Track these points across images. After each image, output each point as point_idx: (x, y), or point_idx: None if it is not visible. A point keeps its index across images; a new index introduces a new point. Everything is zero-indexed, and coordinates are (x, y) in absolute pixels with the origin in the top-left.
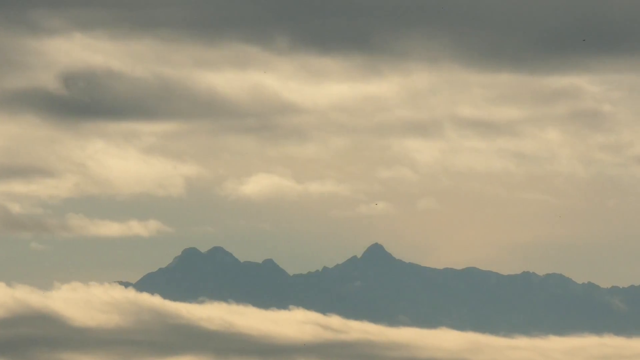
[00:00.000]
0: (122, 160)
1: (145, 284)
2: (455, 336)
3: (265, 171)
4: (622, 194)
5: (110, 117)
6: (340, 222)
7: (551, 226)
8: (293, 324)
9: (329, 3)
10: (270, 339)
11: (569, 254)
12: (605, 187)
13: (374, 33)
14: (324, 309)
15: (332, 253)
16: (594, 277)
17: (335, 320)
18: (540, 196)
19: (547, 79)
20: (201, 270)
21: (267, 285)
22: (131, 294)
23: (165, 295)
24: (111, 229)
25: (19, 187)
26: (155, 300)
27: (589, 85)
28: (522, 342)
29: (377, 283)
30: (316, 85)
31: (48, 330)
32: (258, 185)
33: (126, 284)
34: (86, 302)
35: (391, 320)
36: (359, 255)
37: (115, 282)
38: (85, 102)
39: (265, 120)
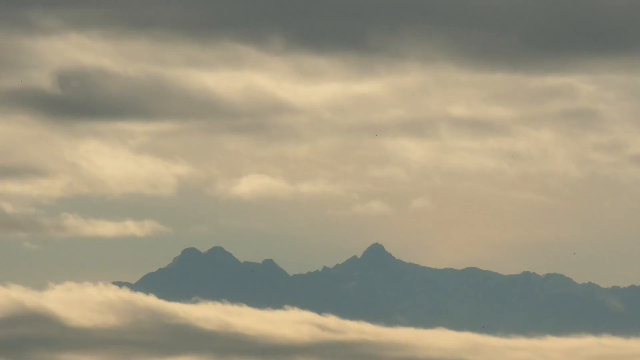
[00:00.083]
0: (115, 160)
1: (145, 284)
2: (454, 336)
3: (257, 172)
4: (616, 194)
5: (104, 116)
6: (340, 222)
7: (547, 226)
8: (293, 324)
9: (323, 3)
10: (270, 339)
11: (569, 254)
12: (599, 187)
13: (369, 33)
14: (324, 309)
15: (332, 253)
16: (594, 277)
17: (335, 321)
18: (534, 196)
19: (541, 79)
20: (201, 271)
21: (267, 285)
22: (131, 294)
23: (165, 296)
24: (107, 228)
25: (12, 186)
26: (154, 301)
27: (583, 84)
28: (520, 343)
29: (377, 283)
30: (310, 85)
31: (45, 331)
32: (249, 185)
33: (126, 285)
34: (84, 303)
35: (391, 320)
36: (359, 255)
37: (115, 282)
38: (79, 102)
39: (258, 120)
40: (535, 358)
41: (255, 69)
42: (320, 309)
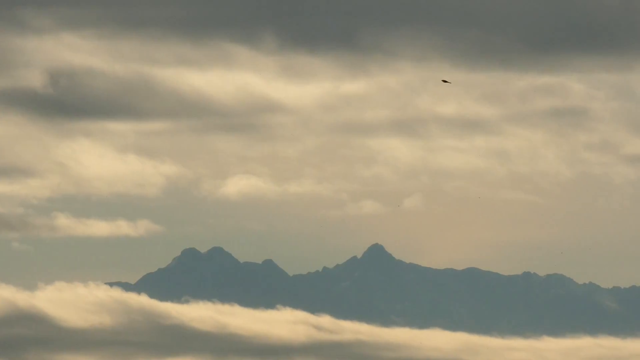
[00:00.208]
0: (102, 159)
1: (145, 285)
2: (450, 337)
3: (244, 172)
4: (607, 194)
5: (95, 116)
6: (335, 222)
7: (537, 226)
8: (292, 324)
9: (315, 2)
10: (270, 339)
11: (567, 255)
12: (590, 186)
13: (361, 32)
14: (324, 309)
15: (332, 253)
16: (595, 277)
17: (335, 321)
18: (525, 196)
19: (532, 78)
20: (201, 271)
21: (266, 285)
22: (131, 294)
23: (165, 296)
24: (99, 228)
25: (1, 186)
26: (155, 302)
27: (574, 83)
28: (518, 343)
29: (376, 283)
30: (302, 85)
31: (40, 331)
32: (236, 186)
33: (126, 285)
34: (81, 303)
35: (392, 320)
36: (359, 255)
37: (115, 283)
38: (70, 101)
39: (248, 120)
40: (533, 359)
41: (247, 69)
42: (320, 309)
